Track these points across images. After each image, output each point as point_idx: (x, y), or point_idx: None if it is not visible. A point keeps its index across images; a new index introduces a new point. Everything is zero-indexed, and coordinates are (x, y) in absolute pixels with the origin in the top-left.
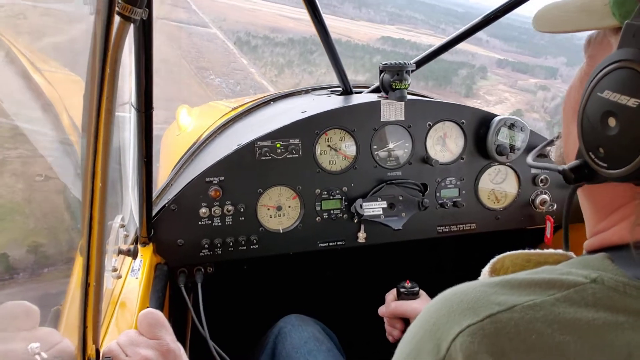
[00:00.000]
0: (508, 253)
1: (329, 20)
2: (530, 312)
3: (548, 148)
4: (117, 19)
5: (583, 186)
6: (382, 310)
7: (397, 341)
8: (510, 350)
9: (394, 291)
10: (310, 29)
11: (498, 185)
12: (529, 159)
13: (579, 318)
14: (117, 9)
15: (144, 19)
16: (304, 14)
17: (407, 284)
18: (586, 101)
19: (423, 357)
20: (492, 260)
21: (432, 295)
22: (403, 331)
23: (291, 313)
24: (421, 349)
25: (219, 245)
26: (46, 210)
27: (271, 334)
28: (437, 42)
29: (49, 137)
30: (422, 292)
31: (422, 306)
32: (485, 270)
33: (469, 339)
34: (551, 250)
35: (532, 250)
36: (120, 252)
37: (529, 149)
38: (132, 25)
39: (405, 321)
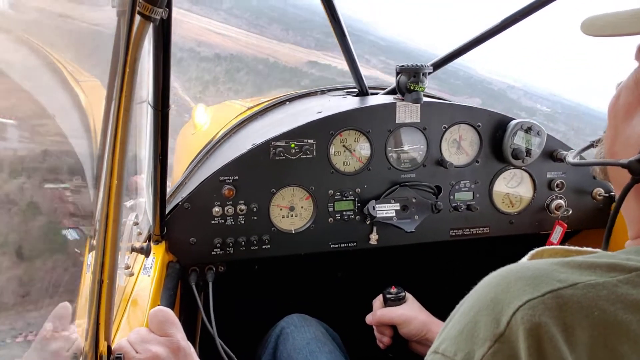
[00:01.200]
0: (545, 247)
1: (255, 39)
2: (592, 290)
3: (564, 152)
4: (137, 19)
5: (636, 184)
6: (369, 319)
7: (388, 347)
8: (574, 324)
9: (380, 297)
10: (237, 46)
11: (513, 189)
12: (570, 158)
13: None
14: (138, 8)
15: (164, 18)
16: (231, 31)
17: (393, 290)
18: None
19: (479, 331)
20: (531, 252)
21: (437, 300)
22: (392, 337)
23: (299, 313)
24: (478, 322)
25: (231, 244)
26: (64, 207)
27: (273, 333)
28: (363, 71)
29: (84, 145)
30: (409, 296)
31: (409, 312)
32: (524, 260)
33: (530, 312)
34: (590, 249)
35: (572, 247)
36: (133, 249)
37: (545, 153)
38: (151, 25)
39: (393, 327)
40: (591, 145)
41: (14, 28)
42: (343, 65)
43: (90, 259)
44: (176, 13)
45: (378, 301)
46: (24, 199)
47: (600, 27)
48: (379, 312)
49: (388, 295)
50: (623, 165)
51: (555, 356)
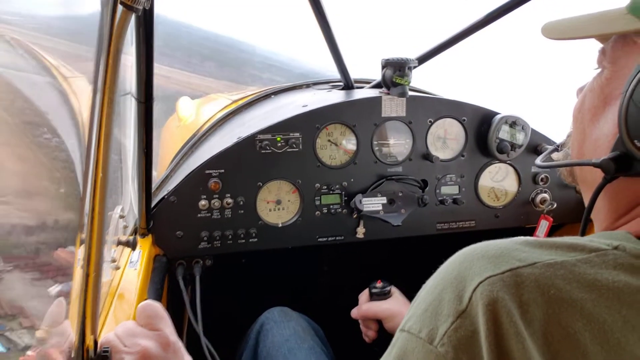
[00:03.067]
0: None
1: (188, 77)
2: (550, 270)
3: (549, 147)
4: (120, 9)
5: (610, 183)
6: (354, 313)
7: (374, 341)
8: (529, 301)
9: (366, 292)
10: (173, 85)
11: (498, 183)
12: (539, 161)
13: (598, 279)
14: None
15: (146, 8)
16: (164, 70)
17: (379, 284)
18: (631, 94)
19: (443, 307)
20: None
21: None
22: (377, 331)
23: (284, 306)
24: (442, 299)
25: (217, 238)
26: (55, 202)
27: (253, 329)
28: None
29: (74, 140)
30: (395, 290)
31: (393, 306)
32: None
33: (489, 288)
34: None
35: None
36: (119, 242)
37: (529, 147)
38: (134, 16)
39: (378, 321)
40: (555, 149)
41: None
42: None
43: (80, 253)
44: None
45: (364, 295)
46: (18, 197)
47: (561, 31)
48: (364, 307)
49: (373, 290)
50: (595, 165)
51: (511, 331)
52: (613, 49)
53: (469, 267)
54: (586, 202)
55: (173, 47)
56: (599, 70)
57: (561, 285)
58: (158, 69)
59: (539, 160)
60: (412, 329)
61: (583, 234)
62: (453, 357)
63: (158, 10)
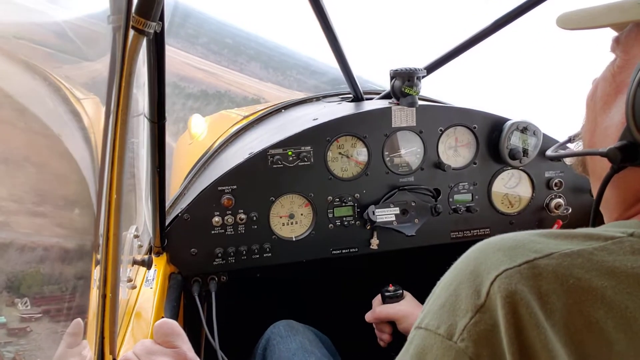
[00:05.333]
0: None
1: (238, 77)
2: (568, 259)
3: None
4: (132, 33)
5: (618, 173)
6: (368, 316)
7: (388, 345)
8: (549, 291)
9: (379, 296)
10: (222, 83)
11: (512, 190)
12: (550, 152)
13: (617, 266)
14: (132, 23)
15: (157, 32)
16: (212, 67)
17: (391, 288)
18: (638, 83)
19: (461, 303)
20: None
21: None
22: (392, 334)
23: (295, 318)
24: (459, 295)
25: (232, 254)
26: (69, 224)
27: (260, 344)
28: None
29: (88, 162)
30: (406, 293)
31: (407, 307)
32: None
33: (507, 281)
34: None
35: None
36: (134, 262)
37: (542, 152)
38: (145, 39)
39: (392, 324)
40: (569, 140)
41: (14, 50)
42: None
43: (96, 274)
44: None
45: (377, 300)
46: (32, 218)
47: (575, 20)
48: (378, 309)
49: (386, 293)
50: (602, 154)
51: (532, 323)
52: (627, 37)
53: (484, 261)
54: (595, 193)
55: (220, 45)
56: (613, 59)
57: (580, 274)
58: (206, 65)
59: (550, 151)
60: (430, 325)
61: (594, 225)
62: (473, 352)
63: (201, 7)
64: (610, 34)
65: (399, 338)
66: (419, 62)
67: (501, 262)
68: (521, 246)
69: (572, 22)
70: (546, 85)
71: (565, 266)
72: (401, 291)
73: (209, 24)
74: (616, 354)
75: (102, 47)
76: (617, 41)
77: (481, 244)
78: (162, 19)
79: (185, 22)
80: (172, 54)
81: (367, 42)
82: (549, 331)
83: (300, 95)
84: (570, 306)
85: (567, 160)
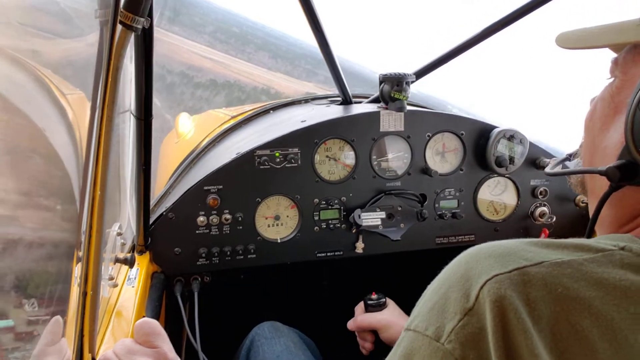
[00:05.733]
0: None
1: (246, 67)
2: (557, 268)
3: (547, 160)
4: (119, 29)
5: (616, 191)
6: (350, 324)
7: (370, 354)
8: (537, 299)
9: (362, 304)
10: (231, 73)
11: (497, 197)
12: (548, 169)
13: (606, 277)
14: (120, 18)
15: (145, 27)
16: (220, 56)
17: (374, 296)
18: (638, 103)
19: (450, 306)
20: None
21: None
22: (374, 342)
23: (279, 320)
24: (448, 298)
25: (216, 254)
26: (51, 219)
27: (244, 345)
28: None
29: (72, 157)
30: (390, 302)
31: (389, 317)
32: None
33: (497, 285)
34: None
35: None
36: (117, 260)
37: (528, 160)
38: (133, 34)
39: (375, 333)
40: (567, 159)
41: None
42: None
43: (77, 271)
44: (159, 33)
45: (359, 307)
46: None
47: (574, 40)
48: (360, 318)
49: (369, 302)
50: (601, 173)
51: (519, 327)
52: (625, 59)
53: (475, 266)
54: (592, 212)
55: (228, 34)
56: (611, 79)
57: (569, 283)
58: (213, 54)
59: (548, 169)
60: (418, 327)
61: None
62: (460, 354)
63: None
64: (608, 52)
65: (381, 347)
66: (408, 68)
67: (492, 267)
68: (512, 253)
69: (570, 41)
70: (539, 92)
71: (555, 275)
72: (384, 299)
73: (215, 12)
74: None
75: (90, 42)
76: (615, 62)
77: (472, 249)
78: (150, 14)
79: (191, 11)
80: (179, 43)
81: (357, 45)
82: (536, 337)
83: (310, 86)
84: (558, 314)
85: (569, 181)
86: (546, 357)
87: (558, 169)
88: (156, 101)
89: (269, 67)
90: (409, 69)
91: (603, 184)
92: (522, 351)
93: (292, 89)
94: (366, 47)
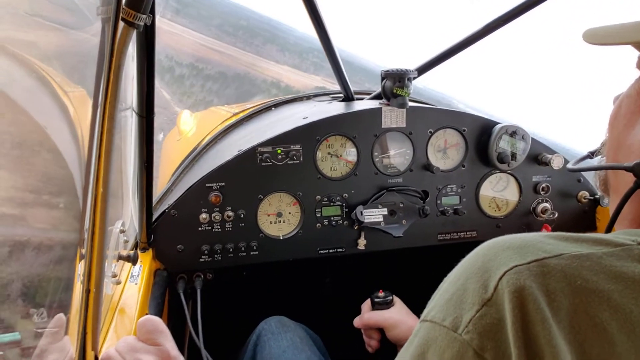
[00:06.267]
0: None
1: (254, 59)
2: (577, 261)
3: (549, 156)
4: (121, 25)
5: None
6: (357, 322)
7: (376, 352)
8: (556, 290)
9: (368, 301)
10: (240, 66)
11: (499, 193)
12: (570, 165)
13: (625, 271)
14: (122, 15)
15: (147, 25)
16: (228, 49)
17: (381, 294)
18: None
19: (468, 297)
20: None
21: (425, 305)
22: (380, 340)
23: (283, 316)
24: (467, 289)
25: (218, 251)
26: (54, 217)
27: (251, 340)
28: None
29: (74, 155)
30: (397, 299)
31: (396, 315)
32: None
33: (516, 276)
34: None
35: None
36: (120, 257)
37: (530, 156)
38: (135, 31)
39: (381, 331)
40: (588, 156)
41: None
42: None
43: (80, 268)
44: (164, 24)
45: (366, 305)
46: (17, 211)
47: (603, 36)
48: (366, 316)
49: (376, 299)
50: (627, 169)
51: (538, 318)
52: None
53: (493, 258)
54: (613, 209)
55: (235, 27)
56: (638, 76)
57: (588, 276)
58: (221, 46)
59: (571, 165)
60: (435, 318)
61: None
62: (478, 344)
63: None
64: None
65: (387, 345)
66: (411, 64)
67: (510, 259)
68: (531, 245)
69: (598, 37)
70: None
71: (574, 267)
72: (391, 297)
73: (222, 5)
74: (617, 355)
75: (91, 39)
76: None
77: (489, 242)
78: (152, 11)
79: (197, 3)
80: (185, 34)
81: (362, 39)
82: (554, 327)
83: (317, 80)
84: (577, 306)
85: (591, 179)
86: (564, 348)
87: (581, 166)
88: (165, 94)
89: (277, 60)
90: (412, 64)
91: (628, 180)
92: (540, 342)
93: (301, 83)
94: (370, 41)
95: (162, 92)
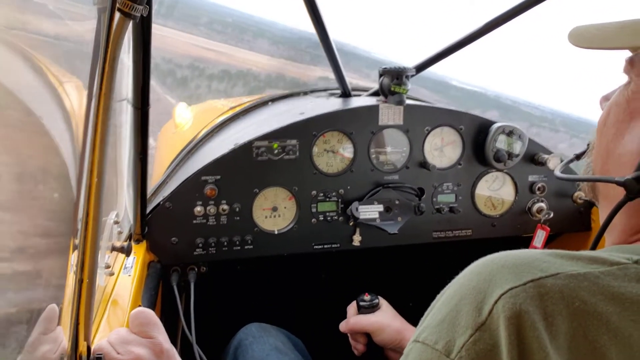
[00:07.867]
0: None
1: (247, 55)
2: (574, 281)
3: (545, 156)
4: (117, 16)
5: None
6: (342, 326)
7: (363, 354)
8: (554, 313)
9: (354, 304)
10: (239, 63)
11: (495, 192)
12: (558, 172)
13: (622, 292)
14: (118, 5)
15: (144, 15)
16: (220, 47)
17: (366, 297)
18: None
19: (461, 319)
20: None
21: (417, 304)
22: (366, 344)
23: (266, 318)
24: (460, 310)
25: (213, 244)
26: (48, 207)
27: (231, 345)
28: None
29: (68, 145)
30: (383, 302)
31: (382, 319)
32: None
33: (512, 300)
34: None
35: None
36: (113, 248)
37: (526, 156)
38: (131, 22)
39: (367, 335)
40: (576, 158)
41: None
42: (350, 79)
43: (73, 258)
44: (156, 29)
45: (352, 308)
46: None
47: (588, 39)
48: (352, 320)
49: (361, 303)
50: (619, 184)
51: (536, 344)
52: None
53: (488, 278)
54: (603, 217)
55: (223, 24)
56: (626, 81)
57: (586, 297)
58: (214, 45)
59: (557, 172)
60: (428, 340)
61: (594, 248)
62: None
63: None
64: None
65: (373, 349)
66: (410, 61)
67: (506, 279)
68: (526, 264)
69: (584, 40)
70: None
71: (572, 288)
72: (377, 301)
73: (204, 6)
74: None
75: (87, 29)
76: (631, 63)
77: (485, 259)
78: (149, 2)
79: (182, 6)
80: (175, 36)
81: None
82: (552, 353)
83: (318, 71)
84: (575, 329)
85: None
86: None
87: (569, 170)
88: (170, 99)
89: (271, 54)
90: (411, 62)
91: (618, 191)
92: None
93: (304, 75)
94: (370, 34)
95: (167, 98)
